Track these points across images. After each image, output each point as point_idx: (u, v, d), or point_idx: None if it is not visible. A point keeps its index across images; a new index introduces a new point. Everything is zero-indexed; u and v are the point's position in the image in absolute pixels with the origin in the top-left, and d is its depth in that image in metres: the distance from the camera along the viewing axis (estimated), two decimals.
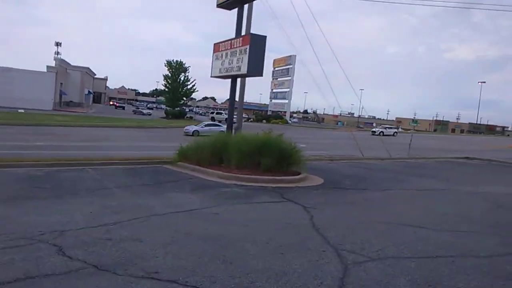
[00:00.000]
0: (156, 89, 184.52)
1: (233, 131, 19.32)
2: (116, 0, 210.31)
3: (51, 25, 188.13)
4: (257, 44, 12.07)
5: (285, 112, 71.19)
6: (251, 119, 78.38)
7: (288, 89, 66.43)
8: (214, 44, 14.58)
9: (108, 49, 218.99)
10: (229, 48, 13.35)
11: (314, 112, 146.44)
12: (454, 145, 41.09)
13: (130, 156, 14.14)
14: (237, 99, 14.97)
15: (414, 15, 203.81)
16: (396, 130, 52.46)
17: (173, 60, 63.16)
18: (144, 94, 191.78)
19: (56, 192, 8.33)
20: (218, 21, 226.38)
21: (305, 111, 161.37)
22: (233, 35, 13.47)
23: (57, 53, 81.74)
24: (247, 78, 15.62)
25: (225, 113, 60.80)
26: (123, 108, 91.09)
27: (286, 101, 67.96)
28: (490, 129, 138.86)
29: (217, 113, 65.39)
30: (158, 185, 9.84)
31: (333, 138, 40.78)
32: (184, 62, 63.15)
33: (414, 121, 31.49)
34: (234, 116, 14.69)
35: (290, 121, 74.18)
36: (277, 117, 70.98)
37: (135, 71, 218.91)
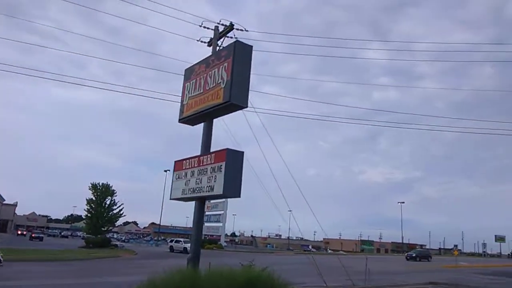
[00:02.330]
0: (72, 214, 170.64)
1: (187, 263, 16.34)
2: (32, 123, 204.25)
3: None
4: (234, 161, 10.45)
5: (219, 236, 67.56)
6: None
7: (222, 212, 64.09)
8: (175, 161, 12.73)
9: (19, 173, 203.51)
10: (196, 165, 11.55)
11: (252, 236, 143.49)
12: (394, 266, 40.55)
13: None
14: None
15: (327, 141, 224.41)
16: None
17: (98, 183, 58.91)
18: (57, 221, 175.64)
19: None
20: (139, 145, 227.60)
21: (233, 234, 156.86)
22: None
23: None
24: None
25: (184, 241, 54.73)
26: (41, 239, 66.93)
27: (221, 224, 65.03)
28: (411, 248, 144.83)
29: (176, 241, 57.49)
30: None
31: (279, 263, 38.05)
32: (111, 185, 59.14)
33: (367, 243, 30.57)
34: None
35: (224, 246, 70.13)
36: (211, 241, 66.84)
37: (48, 196, 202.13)
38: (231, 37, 17.12)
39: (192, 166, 11.75)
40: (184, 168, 12.14)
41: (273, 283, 9.13)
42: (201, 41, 18.27)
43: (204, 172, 11.12)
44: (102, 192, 57.92)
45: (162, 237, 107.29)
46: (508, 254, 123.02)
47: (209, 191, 10.79)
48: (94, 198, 57.65)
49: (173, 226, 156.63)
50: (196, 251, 11.62)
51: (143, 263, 32.59)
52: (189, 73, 12.73)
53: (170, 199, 12.59)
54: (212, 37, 18.02)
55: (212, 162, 10.85)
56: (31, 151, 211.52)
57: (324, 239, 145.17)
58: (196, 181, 11.39)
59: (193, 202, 16.89)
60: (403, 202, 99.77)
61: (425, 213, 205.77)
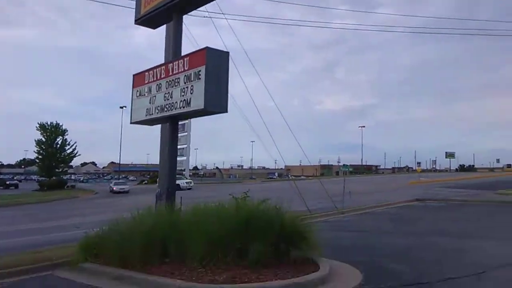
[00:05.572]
0: (24, 159, 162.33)
1: (156, 201, 14.10)
2: None
3: None
4: (217, 64, 7.81)
5: (184, 170, 65.78)
6: (145, 182, 70.79)
7: (185, 145, 61.14)
8: (134, 75, 9.84)
9: None
10: (164, 76, 8.77)
11: (217, 168, 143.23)
12: (363, 186, 40.45)
13: None
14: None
15: (285, 72, 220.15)
16: None
17: (47, 123, 53.99)
18: (9, 166, 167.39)
19: None
20: (91, 84, 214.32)
21: (195, 168, 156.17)
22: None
23: None
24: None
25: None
26: (16, 186, 62.30)
27: (184, 158, 62.80)
28: (368, 169, 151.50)
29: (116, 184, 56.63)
30: None
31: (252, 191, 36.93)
32: (61, 124, 54.42)
33: (345, 166, 29.69)
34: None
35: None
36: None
37: None
38: None
39: (158, 77, 8.97)
40: (147, 82, 9.33)
41: (281, 217, 7.02)
42: None
43: (176, 84, 8.42)
44: (52, 132, 53.36)
45: (123, 175, 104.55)
46: (456, 169, 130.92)
47: (184, 107, 8.19)
48: (43, 139, 53.15)
49: (134, 164, 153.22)
50: (171, 185, 9.27)
51: (106, 201, 30.39)
52: None
53: (131, 123, 9.90)
54: None
55: (186, 68, 8.13)
56: None
57: (285, 166, 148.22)
58: (165, 96, 8.70)
59: (159, 127, 14.10)
60: (364, 126, 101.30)
61: (381, 137, 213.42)
